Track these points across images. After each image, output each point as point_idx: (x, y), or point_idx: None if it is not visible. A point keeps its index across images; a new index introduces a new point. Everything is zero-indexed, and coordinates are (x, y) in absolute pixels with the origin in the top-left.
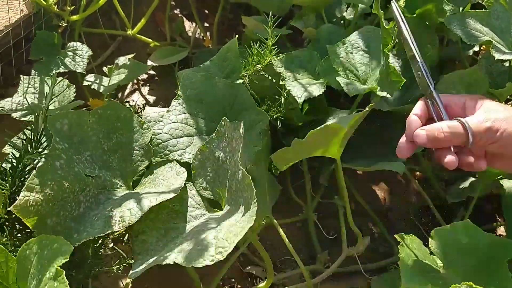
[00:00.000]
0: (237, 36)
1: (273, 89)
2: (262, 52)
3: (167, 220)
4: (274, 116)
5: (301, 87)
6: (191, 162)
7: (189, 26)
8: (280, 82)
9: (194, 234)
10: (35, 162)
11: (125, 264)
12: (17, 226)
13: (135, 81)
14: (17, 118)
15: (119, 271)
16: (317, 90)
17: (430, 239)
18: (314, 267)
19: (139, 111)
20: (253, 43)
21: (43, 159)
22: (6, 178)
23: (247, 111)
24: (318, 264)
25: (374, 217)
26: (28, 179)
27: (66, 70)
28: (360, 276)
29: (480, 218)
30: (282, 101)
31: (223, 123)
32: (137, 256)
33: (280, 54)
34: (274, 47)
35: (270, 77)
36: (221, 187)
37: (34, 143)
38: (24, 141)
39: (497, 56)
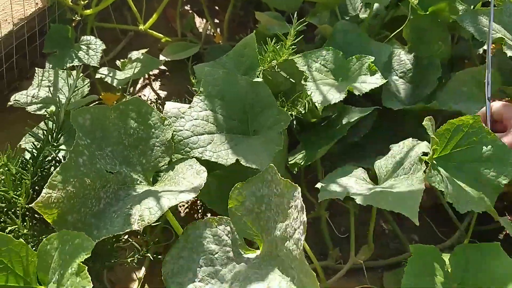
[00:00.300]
0: (254, 31)
1: (287, 85)
2: (278, 48)
3: (203, 262)
4: (289, 113)
5: (322, 91)
6: (212, 160)
7: (199, 22)
8: (302, 82)
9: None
10: (55, 154)
11: (139, 257)
12: (36, 216)
13: (147, 76)
14: (32, 112)
15: (134, 263)
16: (337, 95)
17: (451, 255)
18: (325, 263)
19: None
20: (269, 40)
21: (67, 156)
22: (27, 168)
23: (268, 110)
24: (330, 260)
25: (386, 214)
26: (51, 176)
27: (80, 64)
28: (372, 272)
29: (489, 215)
30: (303, 100)
31: (271, 170)
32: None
33: (295, 50)
34: (293, 46)
35: (285, 74)
36: (261, 230)
37: (55, 135)
38: (44, 132)
39: (509, 53)
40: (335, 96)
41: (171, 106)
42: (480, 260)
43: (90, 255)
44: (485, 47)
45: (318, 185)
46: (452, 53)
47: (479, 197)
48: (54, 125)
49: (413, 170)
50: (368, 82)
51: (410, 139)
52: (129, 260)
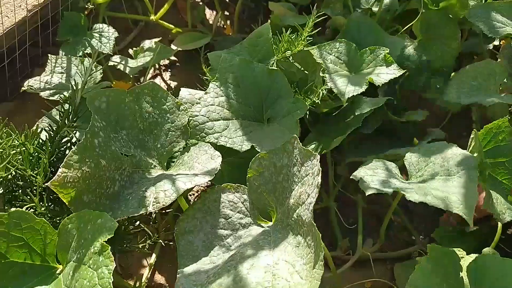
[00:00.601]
0: (269, 21)
1: (300, 75)
2: (293, 38)
3: (216, 225)
4: None
5: (342, 83)
6: (227, 145)
7: (209, 14)
8: (320, 74)
9: (247, 254)
10: (71, 136)
11: (150, 243)
12: (52, 197)
13: (157, 66)
14: (45, 97)
15: (145, 249)
16: (357, 87)
17: (471, 262)
18: (334, 253)
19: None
20: (284, 30)
21: (82, 137)
22: (45, 148)
23: (283, 98)
24: (339, 251)
25: (396, 207)
26: (67, 156)
27: (92, 51)
28: (380, 264)
29: None
30: (317, 90)
31: (293, 141)
32: (181, 259)
33: (309, 42)
34: (309, 37)
35: (298, 65)
36: (275, 201)
37: (71, 116)
38: (61, 113)
39: None
40: (356, 88)
41: (186, 93)
42: (499, 275)
43: (113, 234)
44: (495, 42)
45: (355, 176)
46: (462, 49)
47: None
48: (70, 107)
49: (462, 173)
50: (386, 73)
51: (443, 142)
52: (140, 246)
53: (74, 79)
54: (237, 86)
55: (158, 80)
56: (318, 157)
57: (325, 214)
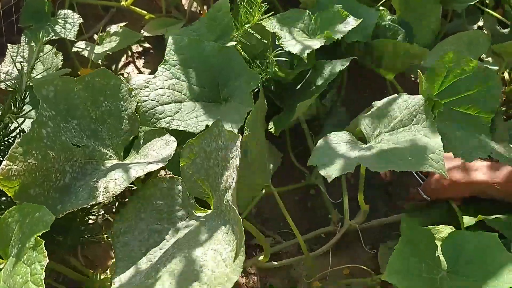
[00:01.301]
0: None
1: (260, 47)
2: (251, 9)
3: (151, 221)
4: (264, 78)
5: (300, 44)
6: (180, 129)
7: None
8: (277, 43)
9: (181, 248)
10: (17, 122)
11: None
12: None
13: (130, 53)
14: (3, 88)
15: (110, 239)
16: (317, 43)
17: (445, 240)
18: (328, 229)
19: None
20: (242, 1)
21: (29, 127)
22: None
23: (238, 75)
24: (332, 225)
25: (376, 191)
26: (11, 148)
27: (56, 38)
28: (361, 249)
29: None
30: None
31: (218, 123)
32: (119, 261)
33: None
34: (264, 5)
35: (259, 36)
36: (210, 188)
37: (18, 103)
38: (6, 100)
39: None
40: (315, 43)
41: (137, 78)
42: (475, 250)
43: (49, 229)
44: (480, 23)
45: (311, 162)
46: (446, 29)
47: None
48: (16, 94)
49: (417, 120)
50: (344, 27)
51: (395, 95)
52: (105, 236)
53: (21, 65)
54: (188, 67)
55: (131, 67)
56: (240, 137)
57: (304, 201)
